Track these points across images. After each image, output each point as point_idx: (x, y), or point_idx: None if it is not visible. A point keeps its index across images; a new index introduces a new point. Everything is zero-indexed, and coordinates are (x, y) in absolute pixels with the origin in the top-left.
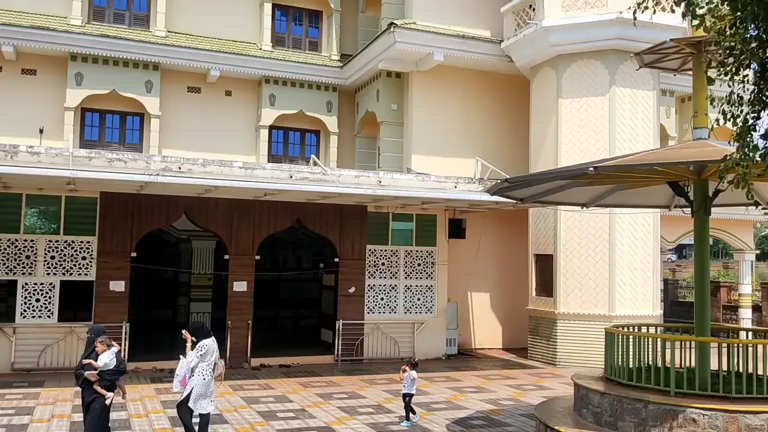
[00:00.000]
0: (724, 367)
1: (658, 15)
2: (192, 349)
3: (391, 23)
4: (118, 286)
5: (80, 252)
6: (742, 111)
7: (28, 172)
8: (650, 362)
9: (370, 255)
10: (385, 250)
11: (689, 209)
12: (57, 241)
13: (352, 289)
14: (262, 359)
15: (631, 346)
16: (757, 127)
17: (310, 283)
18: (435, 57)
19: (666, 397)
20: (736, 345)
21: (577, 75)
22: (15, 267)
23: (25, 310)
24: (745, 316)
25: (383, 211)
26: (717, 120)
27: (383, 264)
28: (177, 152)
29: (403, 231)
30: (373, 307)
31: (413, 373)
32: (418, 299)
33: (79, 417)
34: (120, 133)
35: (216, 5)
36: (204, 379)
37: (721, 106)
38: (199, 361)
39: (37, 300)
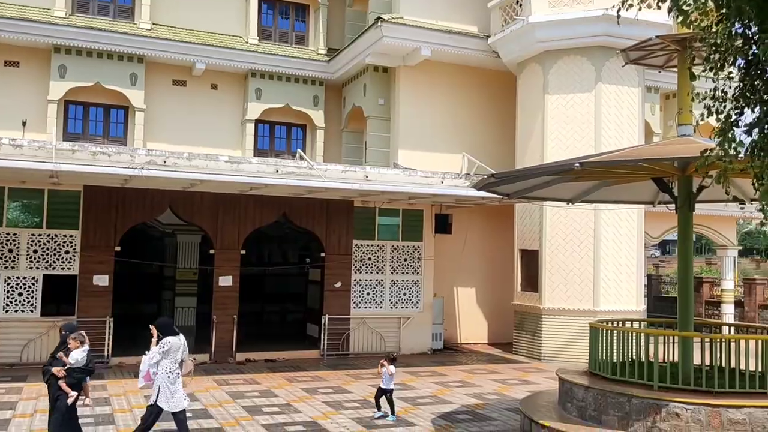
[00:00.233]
0: (707, 362)
1: (644, 12)
2: (157, 344)
3: (378, 18)
4: (101, 280)
5: (63, 246)
6: (725, 107)
7: (10, 164)
8: (634, 357)
9: (356, 250)
10: (372, 245)
11: (673, 205)
12: (40, 235)
13: (338, 284)
14: (248, 354)
15: (615, 341)
16: (740, 123)
17: (296, 278)
18: (422, 52)
19: (649, 391)
20: (718, 340)
21: (564, 71)
22: None
23: (7, 305)
24: (728, 312)
25: (370, 206)
26: (701, 114)
27: (369, 259)
28: (162, 146)
29: (390, 226)
30: (359, 302)
31: (391, 368)
32: (404, 294)
33: None
34: (104, 126)
35: None
36: (168, 376)
37: (705, 101)
38: (161, 358)
39: (20, 294)
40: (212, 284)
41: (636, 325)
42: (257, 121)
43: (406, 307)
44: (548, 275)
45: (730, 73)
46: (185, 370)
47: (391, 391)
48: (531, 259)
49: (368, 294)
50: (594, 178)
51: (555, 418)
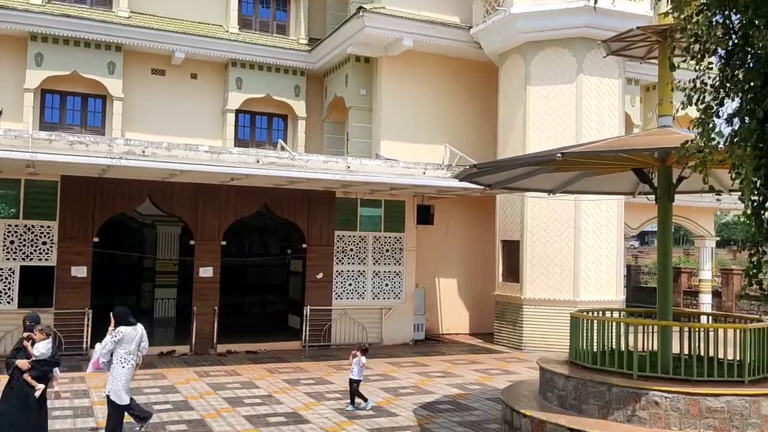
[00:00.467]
0: (686, 351)
1: (626, 4)
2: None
3: (360, 7)
4: (79, 271)
5: (40, 237)
6: (704, 98)
7: None
8: (614, 346)
9: (338, 241)
10: (354, 236)
11: (653, 196)
12: (16, 226)
13: (320, 275)
14: (229, 345)
15: (595, 331)
16: (720, 114)
17: (277, 269)
18: (404, 42)
19: (629, 380)
20: (697, 329)
21: (545, 62)
22: None
23: None
24: (705, 302)
25: (352, 197)
26: (682, 103)
27: (351, 250)
28: (141, 136)
29: (372, 217)
30: (341, 293)
31: (363, 358)
32: (386, 285)
33: None
34: (81, 115)
35: None
36: (123, 367)
37: (687, 91)
38: (115, 348)
39: None
40: (192, 275)
41: (616, 314)
42: (238, 111)
43: (388, 298)
44: (529, 266)
45: (710, 63)
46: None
47: (359, 382)
48: (512, 250)
49: (350, 285)
50: (575, 168)
51: (536, 407)
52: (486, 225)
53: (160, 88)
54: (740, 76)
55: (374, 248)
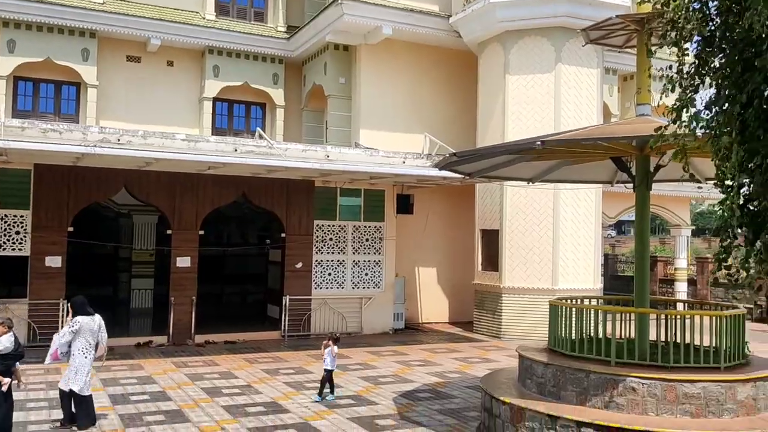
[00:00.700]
0: (663, 338)
1: None
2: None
3: None
4: (54, 261)
5: (13, 226)
6: (682, 83)
7: None
8: (592, 333)
9: (317, 230)
10: (333, 226)
11: (631, 184)
12: None
13: (299, 265)
14: (207, 336)
15: (573, 318)
16: (695, 101)
17: (256, 259)
18: (383, 30)
19: (607, 367)
20: (673, 317)
21: (525, 51)
22: None
23: None
24: (681, 290)
25: (331, 186)
26: (664, 87)
27: (331, 239)
28: (116, 124)
29: (351, 206)
30: (321, 283)
31: (335, 348)
32: (366, 274)
33: None
34: (55, 103)
35: None
36: (85, 357)
37: (665, 77)
38: (73, 338)
39: None
40: (170, 265)
41: (594, 302)
42: (215, 99)
43: (368, 288)
44: (508, 255)
45: (686, 50)
46: (97, 353)
47: (331, 372)
48: (491, 239)
49: (330, 274)
50: (554, 157)
51: (515, 394)
52: (465, 214)
53: (136, 76)
54: (716, 62)
55: (354, 238)
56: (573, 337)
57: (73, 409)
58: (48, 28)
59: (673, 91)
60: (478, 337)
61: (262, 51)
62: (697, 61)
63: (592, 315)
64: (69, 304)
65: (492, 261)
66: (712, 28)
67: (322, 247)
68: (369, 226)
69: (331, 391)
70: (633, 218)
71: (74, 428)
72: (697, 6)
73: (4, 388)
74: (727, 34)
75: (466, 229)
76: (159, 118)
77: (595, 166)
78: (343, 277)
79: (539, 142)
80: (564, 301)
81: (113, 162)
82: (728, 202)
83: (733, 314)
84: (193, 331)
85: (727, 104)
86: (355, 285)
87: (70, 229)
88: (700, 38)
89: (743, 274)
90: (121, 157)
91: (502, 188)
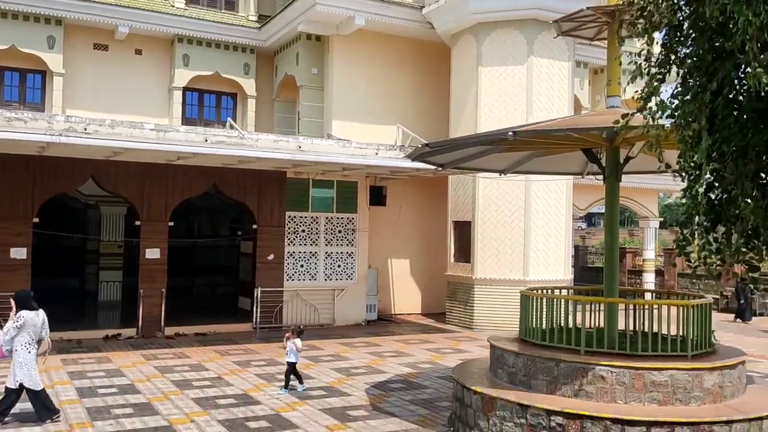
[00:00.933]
0: (631, 327)
1: None
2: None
3: None
4: (19, 253)
5: None
6: (650, 70)
7: None
8: (562, 323)
9: (289, 222)
10: (305, 217)
11: (601, 176)
12: None
13: (271, 257)
14: (177, 328)
15: (544, 308)
16: (662, 90)
17: (227, 250)
18: (356, 21)
19: (576, 355)
20: (641, 306)
21: (497, 44)
22: None
23: None
24: (649, 281)
25: (303, 177)
26: (632, 73)
27: (303, 231)
28: (83, 113)
29: (324, 198)
30: (293, 274)
31: (298, 342)
32: (339, 266)
33: None
34: (20, 91)
35: None
36: (29, 352)
37: (636, 65)
38: (18, 334)
39: None
40: (139, 257)
41: (564, 292)
42: (185, 89)
43: (341, 279)
44: (480, 246)
45: (654, 39)
46: (41, 349)
47: (294, 364)
48: (464, 231)
49: (302, 266)
50: (526, 148)
51: (486, 384)
52: (438, 206)
53: (103, 64)
54: (684, 51)
55: (326, 229)
56: (544, 327)
57: (31, 406)
58: (12, 14)
59: (642, 78)
60: (450, 328)
61: (233, 40)
62: (664, 50)
63: (563, 305)
64: (13, 299)
65: (464, 252)
66: (681, 17)
67: (294, 239)
68: (342, 218)
69: (300, 382)
70: (603, 210)
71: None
72: None
73: None
74: (699, 22)
75: (438, 221)
76: (127, 108)
77: (566, 157)
78: (315, 268)
79: (511, 133)
80: (535, 291)
81: (80, 152)
82: (691, 190)
83: (700, 304)
84: (162, 323)
85: (698, 92)
86: (328, 277)
87: (36, 220)
88: (668, 27)
89: (702, 260)
90: (88, 146)
91: (475, 180)
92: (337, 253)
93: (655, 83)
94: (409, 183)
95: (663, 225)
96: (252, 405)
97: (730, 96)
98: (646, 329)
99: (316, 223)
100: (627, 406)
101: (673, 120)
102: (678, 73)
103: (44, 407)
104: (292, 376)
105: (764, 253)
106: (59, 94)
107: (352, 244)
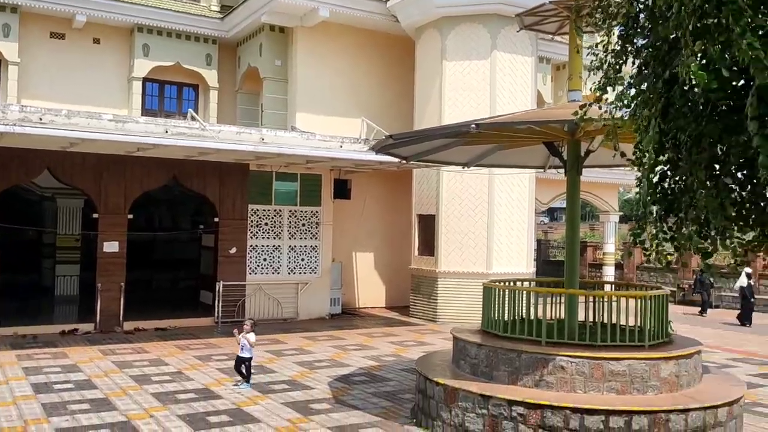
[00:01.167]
0: (591, 319)
1: None
2: None
3: None
4: None
5: None
6: (609, 62)
7: None
8: (524, 315)
9: (252, 215)
10: (268, 210)
11: (563, 169)
12: None
13: (233, 250)
14: (137, 323)
15: (506, 300)
16: (618, 81)
17: (188, 244)
18: (320, 12)
19: (537, 346)
20: (601, 298)
21: (461, 38)
22: None
23: None
24: (609, 273)
25: (266, 170)
26: (591, 63)
27: (266, 224)
28: (39, 103)
29: (287, 191)
30: (256, 268)
31: (250, 337)
32: (303, 260)
33: None
34: None
35: None
36: None
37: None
38: None
39: None
40: (96, 250)
41: (526, 284)
42: (145, 80)
43: (305, 273)
44: (444, 239)
45: (612, 30)
46: None
47: (250, 359)
48: (428, 224)
49: (265, 260)
50: (489, 141)
51: (449, 375)
52: (403, 199)
53: (60, 53)
54: (640, 42)
55: (290, 222)
56: (506, 319)
57: None
58: None
59: (601, 70)
60: (414, 321)
61: (194, 30)
62: (620, 41)
63: (524, 297)
64: None
65: (428, 246)
66: (638, 8)
67: (257, 232)
68: (305, 211)
69: (247, 381)
70: (565, 205)
71: None
72: None
73: None
74: (654, 12)
75: (403, 214)
76: (85, 98)
77: (529, 151)
78: (278, 262)
79: (474, 125)
80: (497, 283)
81: (35, 142)
82: (643, 180)
83: (657, 295)
84: (121, 318)
85: (654, 81)
86: (291, 270)
87: None
88: (626, 18)
89: (655, 248)
90: (43, 136)
91: (439, 174)
92: (301, 246)
93: (611, 74)
94: (374, 176)
95: (623, 219)
96: (213, 399)
97: (685, 86)
98: (605, 320)
99: (280, 216)
100: (586, 396)
101: (628, 110)
102: (634, 63)
103: None
104: (242, 368)
105: (717, 242)
106: (14, 83)
107: (316, 237)
